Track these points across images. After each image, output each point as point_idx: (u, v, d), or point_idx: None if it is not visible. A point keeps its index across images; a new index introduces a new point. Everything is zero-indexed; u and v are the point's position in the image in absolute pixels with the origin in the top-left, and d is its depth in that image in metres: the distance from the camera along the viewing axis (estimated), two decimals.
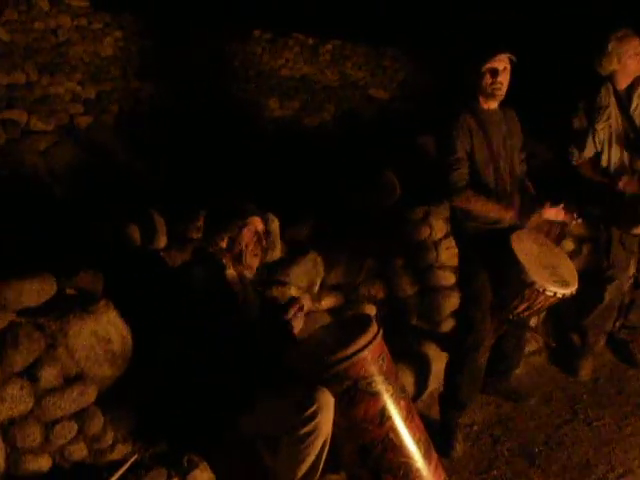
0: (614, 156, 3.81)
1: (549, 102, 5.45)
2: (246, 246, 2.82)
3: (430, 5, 7.50)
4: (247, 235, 2.83)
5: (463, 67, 3.27)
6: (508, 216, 3.18)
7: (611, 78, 3.78)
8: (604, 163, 3.82)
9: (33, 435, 2.44)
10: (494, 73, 3.12)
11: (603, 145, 3.82)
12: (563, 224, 3.43)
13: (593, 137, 3.83)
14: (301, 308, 2.95)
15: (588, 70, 3.83)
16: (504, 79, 3.15)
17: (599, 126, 3.81)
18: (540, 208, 3.16)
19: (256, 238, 2.86)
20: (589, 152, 3.86)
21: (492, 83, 3.13)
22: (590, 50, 3.81)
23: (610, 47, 3.67)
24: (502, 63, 3.13)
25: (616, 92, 3.79)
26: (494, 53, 3.11)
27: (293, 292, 3.47)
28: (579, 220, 3.32)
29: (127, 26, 6.12)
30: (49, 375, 2.51)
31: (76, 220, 3.73)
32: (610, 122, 3.80)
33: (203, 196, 3.52)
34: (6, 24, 5.29)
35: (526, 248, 3.13)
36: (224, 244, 2.84)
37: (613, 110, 3.80)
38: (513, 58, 3.15)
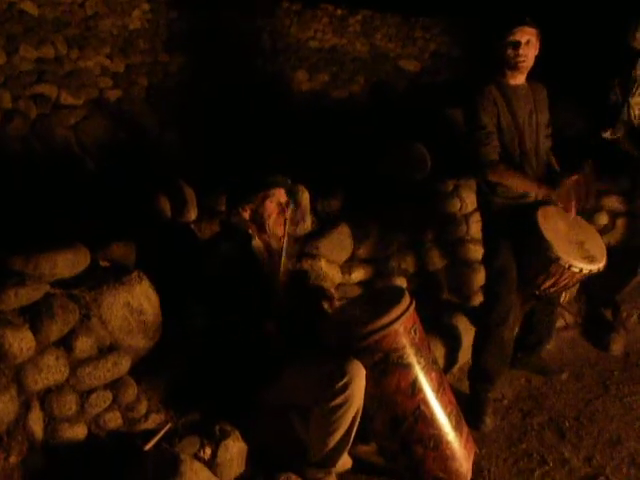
0: None
1: (583, 73, 5.35)
2: (268, 216, 2.84)
3: None
4: (269, 206, 2.84)
5: (489, 39, 3.22)
6: (541, 191, 3.14)
7: None
8: None
9: (69, 404, 2.48)
10: (516, 46, 3.07)
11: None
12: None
13: (628, 111, 3.75)
14: (331, 299, 2.97)
15: (622, 44, 3.76)
16: (527, 52, 3.10)
17: (634, 100, 3.73)
18: (571, 177, 3.07)
19: (279, 209, 2.86)
20: (623, 126, 3.79)
21: (515, 56, 3.09)
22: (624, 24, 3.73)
23: None
24: (525, 36, 3.07)
25: None
26: (514, 26, 3.06)
27: (323, 265, 3.48)
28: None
29: None
30: (84, 345, 2.55)
31: (108, 192, 3.76)
32: None
33: (233, 169, 3.52)
34: None
35: (552, 224, 3.11)
36: (247, 215, 2.86)
37: None
38: (538, 32, 3.09)
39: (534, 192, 3.19)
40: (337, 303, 3.10)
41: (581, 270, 3.02)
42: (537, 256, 3.07)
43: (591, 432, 3.26)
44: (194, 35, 5.94)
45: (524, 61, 3.11)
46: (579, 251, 3.07)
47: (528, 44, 3.08)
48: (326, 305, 3.02)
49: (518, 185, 3.17)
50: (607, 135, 3.84)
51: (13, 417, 2.33)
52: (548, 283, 3.13)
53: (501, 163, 3.13)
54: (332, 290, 3.03)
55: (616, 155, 3.96)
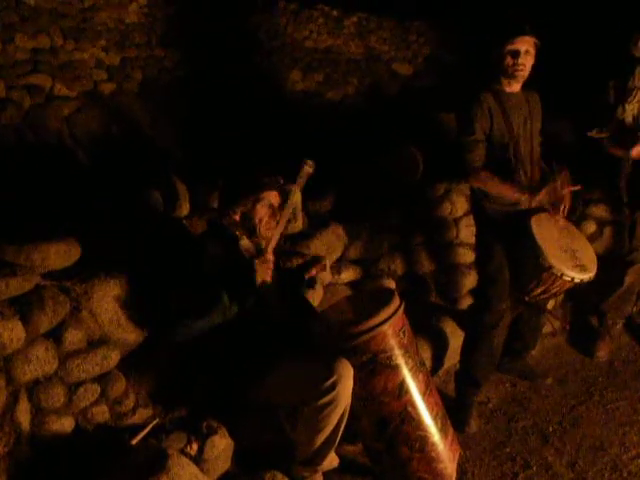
0: None
1: (575, 83, 5.39)
2: (259, 220, 2.79)
3: None
4: (261, 210, 2.79)
5: (486, 47, 3.22)
6: (523, 197, 3.14)
7: None
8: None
9: (57, 396, 2.48)
10: (515, 54, 3.06)
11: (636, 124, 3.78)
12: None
13: (622, 114, 3.79)
14: (323, 267, 2.94)
15: (619, 52, 3.79)
16: (526, 61, 3.09)
17: (629, 106, 3.77)
18: (551, 182, 3.07)
19: (270, 212, 2.81)
20: (612, 128, 3.83)
21: (513, 64, 3.08)
22: (624, 31, 3.76)
23: None
24: (524, 45, 3.06)
25: None
26: (515, 35, 3.05)
27: None
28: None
29: None
30: (73, 338, 2.55)
31: (100, 186, 3.75)
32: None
33: (226, 165, 3.52)
34: None
35: (546, 231, 3.12)
36: (237, 217, 2.82)
37: None
38: (537, 42, 3.09)
39: (515, 198, 3.17)
40: (328, 272, 3.05)
41: (572, 279, 3.03)
42: (529, 263, 3.08)
43: (574, 437, 3.29)
44: (190, 31, 5.93)
45: (522, 70, 3.10)
46: (571, 260, 3.08)
47: (527, 53, 3.07)
48: (318, 273, 3.00)
49: (498, 191, 3.16)
50: (593, 134, 3.86)
51: (0, 408, 2.33)
52: (539, 290, 3.14)
53: (483, 170, 3.12)
54: (325, 260, 2.99)
55: (602, 161, 3.99)
